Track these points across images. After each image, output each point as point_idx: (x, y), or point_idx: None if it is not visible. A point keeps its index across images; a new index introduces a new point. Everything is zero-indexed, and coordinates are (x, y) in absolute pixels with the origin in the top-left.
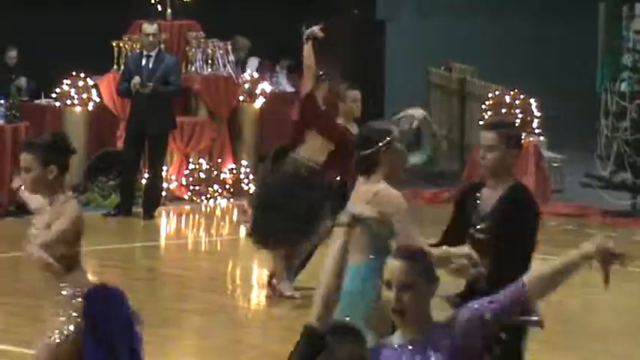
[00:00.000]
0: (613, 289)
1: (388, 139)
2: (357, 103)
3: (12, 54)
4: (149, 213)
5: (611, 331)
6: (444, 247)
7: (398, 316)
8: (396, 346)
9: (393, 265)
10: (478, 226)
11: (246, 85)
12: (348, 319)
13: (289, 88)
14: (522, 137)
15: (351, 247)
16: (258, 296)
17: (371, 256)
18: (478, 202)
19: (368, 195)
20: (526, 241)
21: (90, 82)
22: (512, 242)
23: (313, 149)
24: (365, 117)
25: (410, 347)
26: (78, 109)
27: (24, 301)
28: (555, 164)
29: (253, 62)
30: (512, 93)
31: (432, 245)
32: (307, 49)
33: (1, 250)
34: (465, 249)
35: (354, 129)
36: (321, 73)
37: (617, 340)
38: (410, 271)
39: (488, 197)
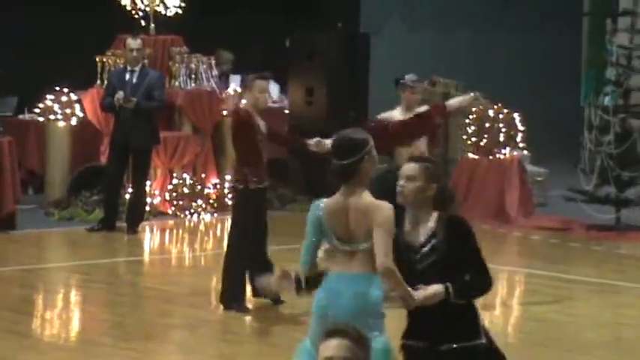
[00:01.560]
0: (594, 302)
1: (369, 147)
2: (264, 93)
3: None
4: (133, 228)
5: (592, 343)
6: None
7: None
8: None
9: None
10: (419, 260)
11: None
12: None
13: (273, 102)
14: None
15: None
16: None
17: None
18: (406, 239)
19: (364, 214)
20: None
21: (73, 97)
22: (463, 266)
23: None
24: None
25: None
26: (61, 124)
27: (6, 316)
28: (539, 178)
29: (235, 78)
30: (495, 107)
31: None
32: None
33: None
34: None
35: (260, 122)
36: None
37: (598, 352)
38: None
39: (413, 232)
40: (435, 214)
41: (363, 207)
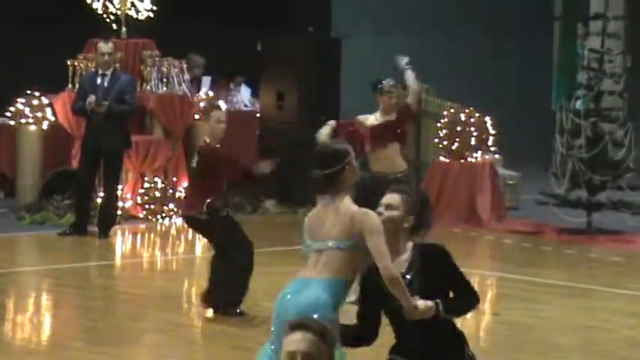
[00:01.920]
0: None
1: (350, 157)
2: (220, 124)
3: None
4: (104, 232)
5: (563, 347)
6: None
7: None
8: None
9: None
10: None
11: (202, 104)
12: None
13: (244, 106)
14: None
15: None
16: (214, 315)
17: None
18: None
19: (343, 220)
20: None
21: (45, 100)
22: (442, 293)
23: None
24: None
25: None
26: (32, 127)
27: None
28: (510, 182)
29: (206, 81)
30: (467, 111)
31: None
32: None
33: None
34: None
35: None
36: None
37: (570, 356)
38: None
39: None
40: (410, 244)
41: (347, 213)
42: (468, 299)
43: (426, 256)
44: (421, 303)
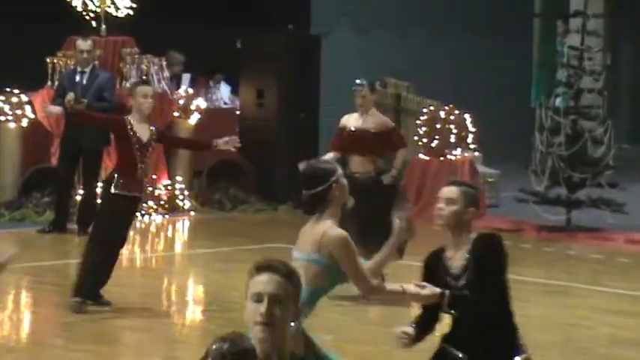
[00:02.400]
0: (544, 303)
1: (336, 175)
2: (147, 99)
3: None
4: (84, 229)
5: (542, 344)
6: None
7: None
8: None
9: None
10: (458, 285)
11: (181, 101)
12: None
13: (224, 104)
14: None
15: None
16: (194, 313)
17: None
18: (447, 264)
19: (316, 237)
20: (504, 282)
21: (24, 98)
22: (493, 287)
23: None
24: (302, 130)
25: None
26: (12, 125)
27: None
28: (490, 179)
29: (186, 78)
30: (447, 108)
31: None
32: None
33: None
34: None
35: (143, 128)
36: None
37: (548, 353)
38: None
39: (454, 257)
40: (472, 236)
41: (320, 231)
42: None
43: (480, 247)
44: (425, 290)
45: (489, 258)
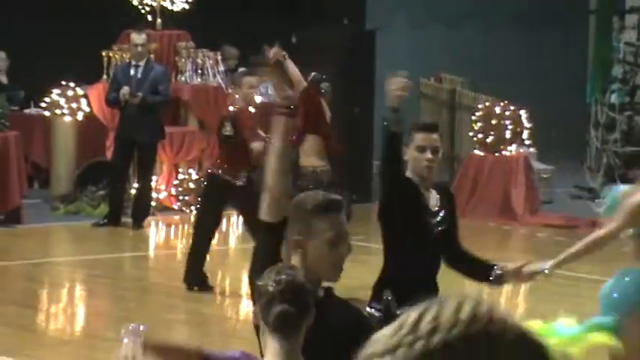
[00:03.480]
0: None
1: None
2: (254, 89)
3: (1, 55)
4: (138, 223)
5: None
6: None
7: None
8: None
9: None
10: (434, 221)
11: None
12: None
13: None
14: None
15: None
16: (248, 307)
17: None
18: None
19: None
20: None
21: (79, 91)
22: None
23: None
24: (357, 125)
25: None
26: (67, 118)
27: (12, 310)
28: (545, 175)
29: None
30: (502, 104)
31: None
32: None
33: None
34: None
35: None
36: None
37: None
38: None
39: (429, 198)
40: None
41: None
42: None
43: (450, 198)
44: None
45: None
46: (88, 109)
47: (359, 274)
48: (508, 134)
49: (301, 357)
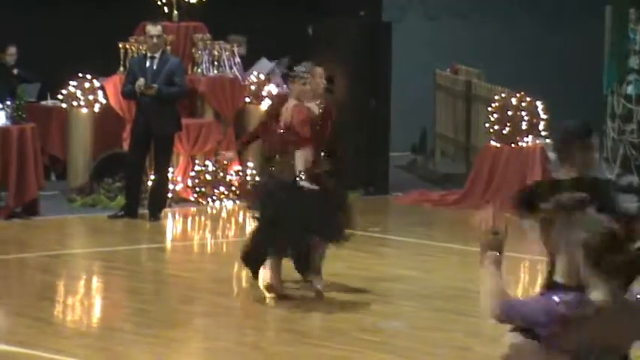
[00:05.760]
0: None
1: None
2: (322, 79)
3: (12, 50)
4: (155, 215)
5: None
6: None
7: None
8: None
9: None
10: None
11: (252, 87)
12: None
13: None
14: None
15: None
16: (264, 298)
17: None
18: None
19: None
20: None
21: (96, 83)
22: None
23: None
24: (373, 116)
25: None
26: (84, 110)
27: (29, 302)
28: None
29: (265, 64)
30: (518, 95)
31: None
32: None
33: (7, 251)
34: None
35: (314, 107)
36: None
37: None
38: None
39: None
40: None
41: None
42: None
43: None
44: None
45: None
46: (104, 101)
47: (375, 266)
48: (524, 125)
49: None
